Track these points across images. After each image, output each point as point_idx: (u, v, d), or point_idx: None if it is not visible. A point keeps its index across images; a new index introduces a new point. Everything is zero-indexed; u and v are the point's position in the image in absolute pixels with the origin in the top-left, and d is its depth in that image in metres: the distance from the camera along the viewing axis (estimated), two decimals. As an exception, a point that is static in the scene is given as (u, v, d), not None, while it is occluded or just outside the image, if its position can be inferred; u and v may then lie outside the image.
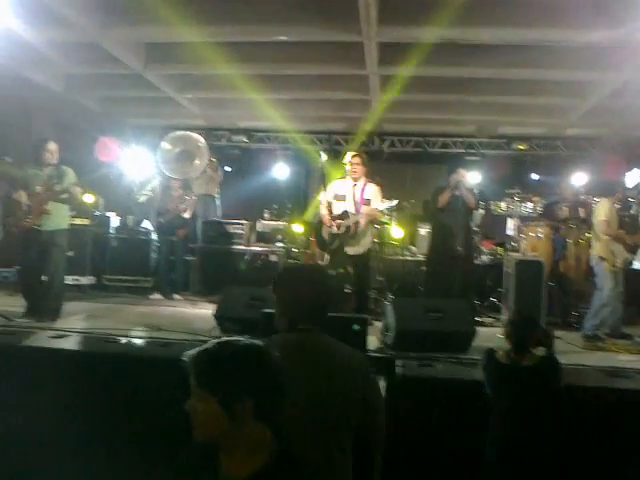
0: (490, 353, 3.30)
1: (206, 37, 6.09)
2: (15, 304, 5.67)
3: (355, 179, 6.24)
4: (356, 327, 4.17)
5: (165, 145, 7.51)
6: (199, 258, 8.35)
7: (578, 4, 5.33)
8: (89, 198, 8.31)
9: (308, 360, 1.98)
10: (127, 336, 4.92)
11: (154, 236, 8.33)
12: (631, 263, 6.19)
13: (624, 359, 4.90)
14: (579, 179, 8.82)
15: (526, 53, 6.25)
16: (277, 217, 9.52)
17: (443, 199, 6.79)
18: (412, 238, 8.91)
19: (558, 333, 5.50)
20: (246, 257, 8.05)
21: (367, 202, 6.18)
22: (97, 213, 8.64)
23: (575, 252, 6.70)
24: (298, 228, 8.40)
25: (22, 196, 5.51)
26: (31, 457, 3.61)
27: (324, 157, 6.54)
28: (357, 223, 6.05)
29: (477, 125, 9.74)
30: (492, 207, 8.86)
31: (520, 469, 2.97)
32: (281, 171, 10.75)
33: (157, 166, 7.99)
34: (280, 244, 8.34)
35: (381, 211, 6.56)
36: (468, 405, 3.55)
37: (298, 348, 2.00)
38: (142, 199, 9.00)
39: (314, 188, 9.60)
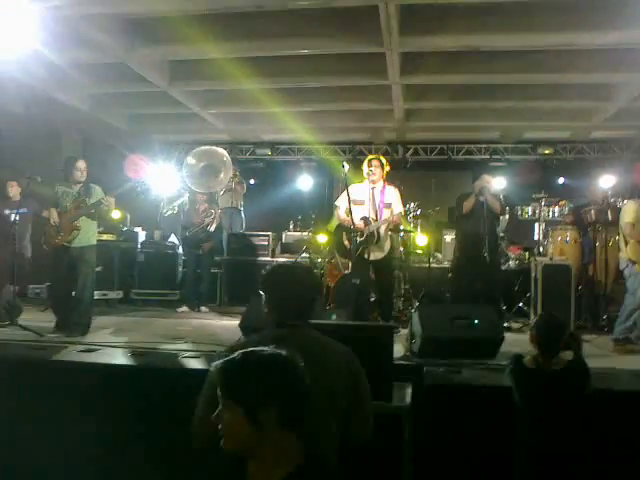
0: (517, 358, 3.26)
1: (229, 53, 6.19)
2: (46, 319, 5.79)
3: (373, 181, 6.05)
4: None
5: (190, 160, 7.58)
6: (225, 270, 8.44)
7: (593, 5, 5.27)
8: (116, 214, 8.45)
9: (300, 353, 2.04)
10: (156, 349, 4.96)
11: (180, 250, 8.43)
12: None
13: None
14: (607, 182, 8.68)
15: (548, 57, 6.22)
16: (301, 228, 9.56)
17: (467, 205, 6.73)
18: (437, 245, 8.88)
19: (587, 337, 5.46)
20: (271, 268, 8.07)
21: (388, 206, 6.05)
22: (124, 228, 8.79)
23: (604, 255, 6.59)
24: (322, 238, 8.43)
25: (53, 213, 5.63)
26: (62, 471, 3.63)
27: (347, 167, 6.53)
28: (378, 230, 5.91)
29: (501, 131, 9.68)
30: (518, 212, 8.77)
31: (549, 474, 2.93)
32: (305, 182, 10.76)
33: (183, 181, 8.09)
34: (305, 255, 8.37)
35: (404, 216, 6.47)
36: (496, 411, 3.52)
37: (289, 342, 2.05)
38: (169, 213, 9.13)
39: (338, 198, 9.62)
